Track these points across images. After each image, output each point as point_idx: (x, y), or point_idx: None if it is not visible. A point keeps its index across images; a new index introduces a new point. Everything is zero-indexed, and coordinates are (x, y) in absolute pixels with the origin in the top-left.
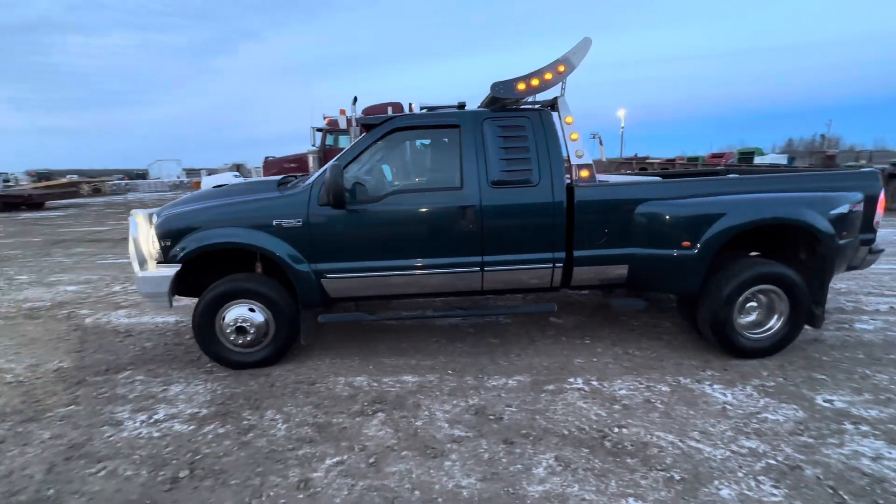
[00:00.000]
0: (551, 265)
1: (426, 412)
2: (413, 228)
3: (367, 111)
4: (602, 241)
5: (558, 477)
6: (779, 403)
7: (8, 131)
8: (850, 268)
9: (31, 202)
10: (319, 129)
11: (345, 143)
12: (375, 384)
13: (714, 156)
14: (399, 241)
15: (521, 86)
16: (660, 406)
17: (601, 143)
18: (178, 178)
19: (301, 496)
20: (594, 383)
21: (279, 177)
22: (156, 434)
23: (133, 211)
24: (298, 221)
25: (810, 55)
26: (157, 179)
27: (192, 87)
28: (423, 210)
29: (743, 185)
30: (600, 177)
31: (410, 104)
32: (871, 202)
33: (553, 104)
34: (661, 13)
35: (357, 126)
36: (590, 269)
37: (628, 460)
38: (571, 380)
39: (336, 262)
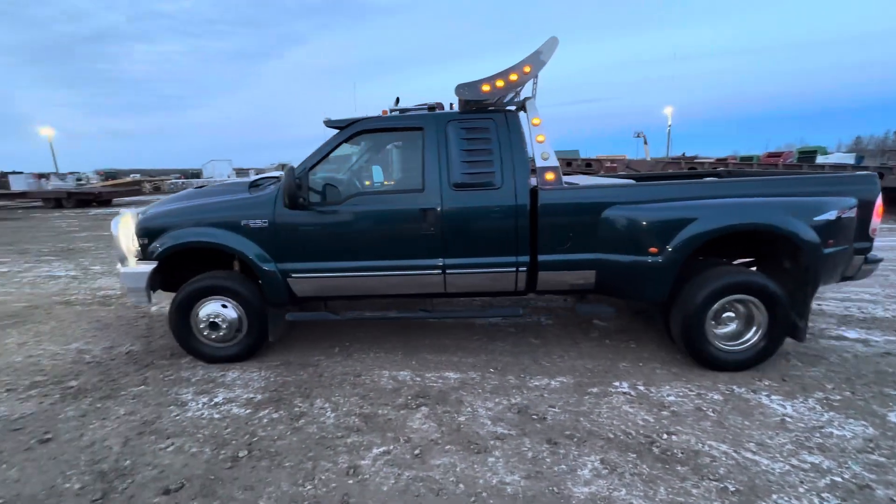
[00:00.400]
0: (514, 269)
1: (469, 408)
2: (375, 230)
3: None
4: (567, 246)
5: (604, 480)
6: (845, 419)
7: (80, 134)
8: (844, 278)
9: (100, 199)
10: None
11: None
12: (418, 379)
13: (770, 155)
14: (362, 242)
15: (486, 87)
16: (711, 414)
17: (646, 143)
18: (229, 177)
19: (350, 482)
20: (640, 388)
21: (254, 177)
22: (216, 416)
23: (121, 210)
24: (265, 222)
25: (881, 46)
26: (209, 178)
27: (241, 90)
28: (385, 212)
29: (720, 189)
30: (576, 179)
31: (451, 104)
32: (866, 208)
33: (522, 106)
34: (711, 4)
35: None
36: (555, 273)
37: (678, 468)
38: (616, 383)
39: (301, 262)
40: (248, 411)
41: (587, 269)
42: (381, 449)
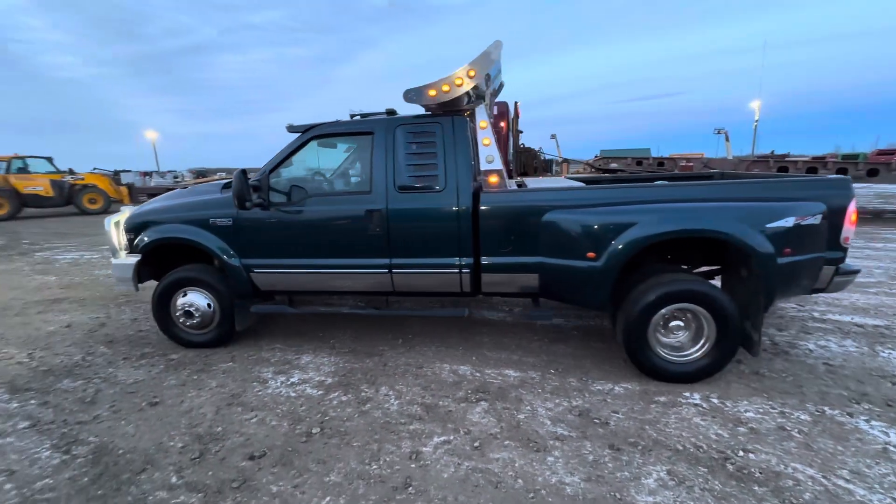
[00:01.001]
0: (458, 270)
1: (528, 407)
2: (327, 230)
3: None
4: (509, 249)
5: (671, 491)
6: None
7: (177, 136)
8: (814, 290)
9: None
10: None
11: None
12: (478, 374)
13: (881, 153)
14: (315, 241)
15: (432, 92)
16: (797, 435)
17: (727, 140)
18: None
19: (413, 466)
20: (714, 401)
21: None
22: (292, 394)
23: (122, 208)
24: (229, 220)
25: None
26: None
27: (316, 94)
28: (336, 213)
29: (669, 193)
30: (536, 182)
31: (516, 103)
32: (836, 215)
33: (471, 111)
34: None
35: None
36: (498, 276)
37: (755, 488)
38: (687, 394)
39: (261, 258)
40: (320, 392)
41: (530, 272)
42: (442, 438)
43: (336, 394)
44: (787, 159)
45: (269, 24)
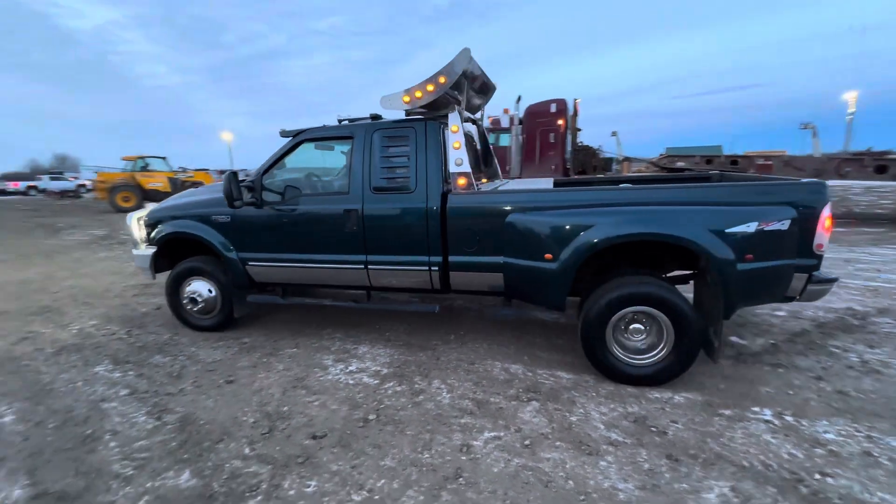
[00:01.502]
0: (427, 268)
1: (581, 410)
2: (310, 227)
3: (531, 109)
4: (474, 249)
5: None
6: None
7: (248, 138)
8: (786, 298)
9: None
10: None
11: (505, 141)
12: (530, 374)
13: None
14: (300, 238)
15: (406, 98)
16: (887, 463)
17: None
18: None
19: (464, 458)
20: (788, 418)
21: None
22: (350, 381)
23: (147, 204)
24: (227, 217)
25: None
26: None
27: (374, 94)
28: (319, 212)
29: (631, 195)
30: (513, 184)
31: (576, 100)
32: (807, 221)
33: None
34: None
35: (517, 124)
36: (466, 274)
37: None
38: (756, 409)
39: (255, 252)
40: (376, 382)
41: (495, 271)
42: (493, 434)
43: (391, 384)
44: (887, 157)
45: (333, 30)
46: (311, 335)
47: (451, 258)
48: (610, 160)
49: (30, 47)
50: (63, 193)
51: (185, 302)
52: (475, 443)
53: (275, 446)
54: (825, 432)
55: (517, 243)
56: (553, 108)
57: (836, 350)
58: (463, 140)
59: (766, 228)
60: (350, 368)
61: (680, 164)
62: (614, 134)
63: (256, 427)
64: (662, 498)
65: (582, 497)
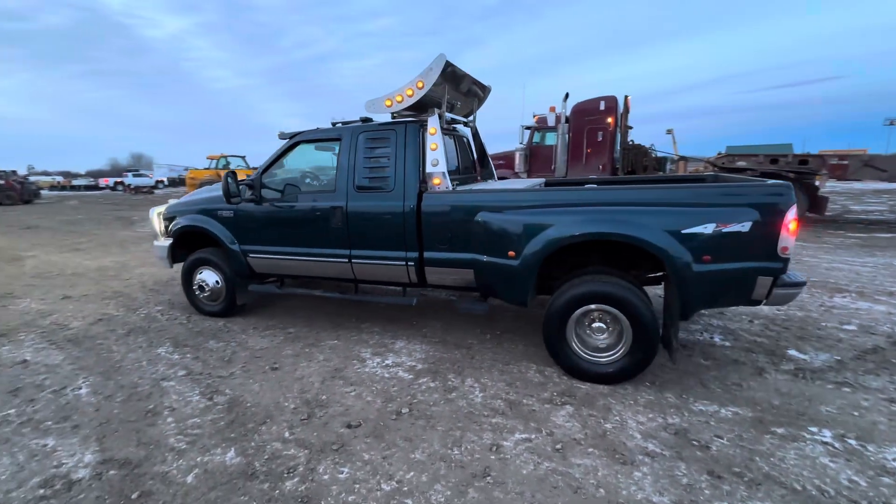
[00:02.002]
0: (404, 263)
1: (617, 417)
2: (301, 223)
3: (578, 107)
4: (447, 245)
5: None
6: None
7: None
8: (752, 302)
9: None
10: (528, 127)
11: (551, 140)
12: (565, 378)
13: None
14: (292, 232)
15: (388, 102)
16: None
17: None
18: None
19: (493, 457)
20: (850, 442)
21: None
22: (386, 375)
23: (170, 200)
24: (231, 212)
25: None
26: None
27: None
28: (309, 208)
29: (593, 196)
30: (494, 184)
31: (626, 97)
32: (771, 223)
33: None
34: None
35: (564, 122)
36: (440, 269)
37: None
38: (813, 429)
39: (254, 244)
40: (410, 376)
41: (466, 267)
42: (524, 435)
43: (425, 379)
44: None
45: (383, 31)
46: (352, 328)
47: (426, 254)
48: (663, 160)
49: (111, 55)
50: (137, 189)
51: (195, 289)
52: (505, 443)
53: (312, 432)
54: (895, 460)
55: (484, 241)
56: (602, 106)
57: None
58: (441, 142)
59: (724, 230)
60: (386, 362)
61: (741, 163)
62: (669, 132)
63: (296, 413)
64: None
65: None
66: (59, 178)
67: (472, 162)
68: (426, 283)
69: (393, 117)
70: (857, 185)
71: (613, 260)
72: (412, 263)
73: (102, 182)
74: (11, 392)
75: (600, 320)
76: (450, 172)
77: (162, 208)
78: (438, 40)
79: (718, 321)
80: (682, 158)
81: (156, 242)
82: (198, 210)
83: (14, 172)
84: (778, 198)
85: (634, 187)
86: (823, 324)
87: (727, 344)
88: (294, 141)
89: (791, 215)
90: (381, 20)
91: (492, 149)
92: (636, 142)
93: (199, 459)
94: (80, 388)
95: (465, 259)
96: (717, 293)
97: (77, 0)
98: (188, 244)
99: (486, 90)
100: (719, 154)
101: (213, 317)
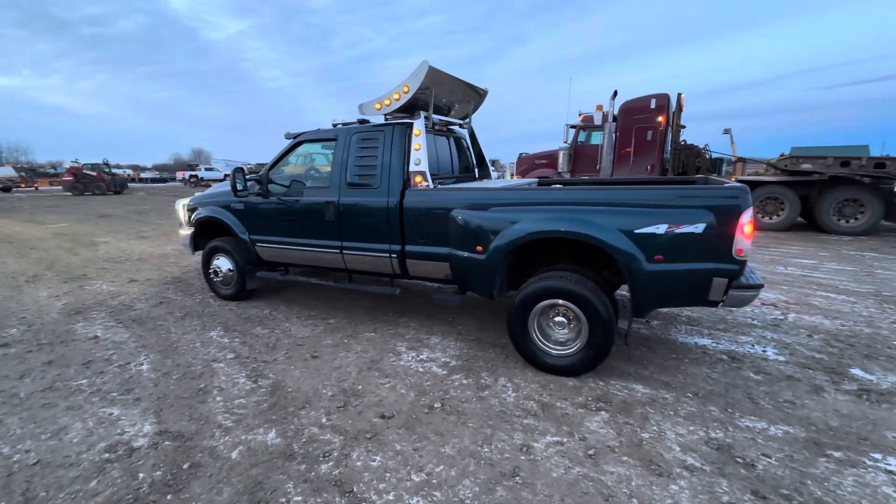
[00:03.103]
0: (388, 255)
1: (654, 427)
2: (300, 216)
3: (627, 105)
4: (426, 239)
5: None
6: None
7: None
8: (710, 303)
9: None
10: (573, 126)
11: (597, 139)
12: (602, 383)
13: None
14: (291, 224)
15: (378, 105)
16: None
17: None
18: None
19: (523, 458)
20: None
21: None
22: (420, 369)
23: (196, 193)
24: (242, 205)
25: None
26: None
27: None
28: (306, 203)
29: (558, 196)
30: (486, 183)
31: (679, 95)
32: (725, 225)
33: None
34: None
35: (611, 121)
36: (420, 262)
37: None
38: (877, 456)
39: (261, 235)
40: (444, 372)
41: (443, 261)
42: (555, 438)
43: (458, 376)
44: None
45: (430, 29)
46: (389, 322)
47: (408, 247)
48: (719, 161)
49: (177, 56)
50: (198, 181)
51: (210, 274)
52: (536, 444)
53: (347, 420)
54: None
55: (457, 236)
56: (653, 104)
57: None
58: (424, 143)
59: (676, 231)
60: (421, 357)
61: (806, 165)
62: (727, 131)
63: (333, 400)
64: None
65: None
66: (129, 171)
67: (470, 162)
68: (409, 275)
69: (386, 119)
70: None
71: (585, 259)
72: (395, 255)
73: (179, 175)
74: (84, 364)
75: (563, 315)
76: (446, 172)
77: (187, 200)
78: (485, 37)
79: (773, 334)
80: (741, 160)
81: (181, 231)
82: (215, 202)
83: (106, 164)
84: (733, 200)
85: (594, 188)
86: (895, 342)
87: (781, 358)
88: (297, 140)
89: (746, 218)
90: (428, 18)
91: (535, 148)
92: (689, 142)
93: (243, 437)
94: (142, 365)
95: (441, 253)
96: (670, 292)
97: (149, 6)
98: (209, 233)
99: (482, 93)
100: (782, 155)
101: (226, 300)
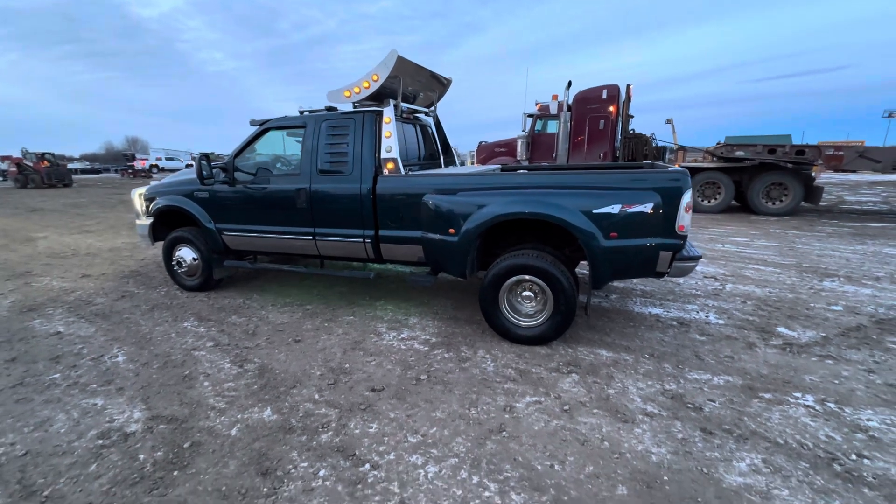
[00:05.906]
0: (362, 240)
1: (619, 384)
2: (269, 203)
3: (581, 95)
4: (398, 224)
5: (763, 476)
6: None
7: None
8: (657, 274)
9: None
10: (530, 115)
11: (553, 128)
12: (570, 350)
13: None
14: (263, 212)
15: (347, 93)
16: None
17: None
18: None
19: (507, 416)
20: (830, 405)
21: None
22: (403, 347)
23: (152, 182)
24: (206, 193)
25: None
26: None
27: None
28: (276, 191)
29: (523, 180)
30: (450, 170)
31: (628, 85)
32: (670, 205)
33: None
34: None
35: (567, 111)
36: (393, 246)
37: (865, 490)
38: (797, 395)
39: (228, 223)
40: (425, 348)
41: (415, 244)
42: (534, 399)
43: (439, 351)
44: None
45: (383, 13)
46: (366, 306)
47: (381, 232)
48: (663, 149)
49: (104, 35)
50: (136, 173)
51: (173, 265)
52: (517, 405)
53: (340, 395)
54: (869, 420)
55: (429, 220)
56: (604, 95)
57: (895, 346)
58: (395, 130)
59: (628, 210)
60: (402, 336)
61: (739, 153)
62: (669, 121)
63: (323, 378)
64: (693, 462)
65: (616, 455)
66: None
67: (435, 150)
68: (382, 259)
69: (354, 107)
70: (852, 177)
71: (547, 238)
72: (369, 240)
73: (139, 164)
74: (52, 359)
75: (530, 290)
76: (413, 159)
77: (143, 189)
78: (440, 23)
79: (714, 302)
80: (681, 148)
81: (138, 222)
82: (176, 191)
83: (53, 155)
84: (676, 182)
85: (558, 173)
86: (812, 305)
87: (721, 322)
88: (264, 127)
89: (687, 198)
90: (381, 2)
91: (493, 136)
92: (637, 131)
93: (239, 416)
94: (118, 357)
95: (414, 237)
96: (625, 265)
97: None
98: (168, 223)
99: (446, 82)
100: (718, 144)
101: (192, 291)
